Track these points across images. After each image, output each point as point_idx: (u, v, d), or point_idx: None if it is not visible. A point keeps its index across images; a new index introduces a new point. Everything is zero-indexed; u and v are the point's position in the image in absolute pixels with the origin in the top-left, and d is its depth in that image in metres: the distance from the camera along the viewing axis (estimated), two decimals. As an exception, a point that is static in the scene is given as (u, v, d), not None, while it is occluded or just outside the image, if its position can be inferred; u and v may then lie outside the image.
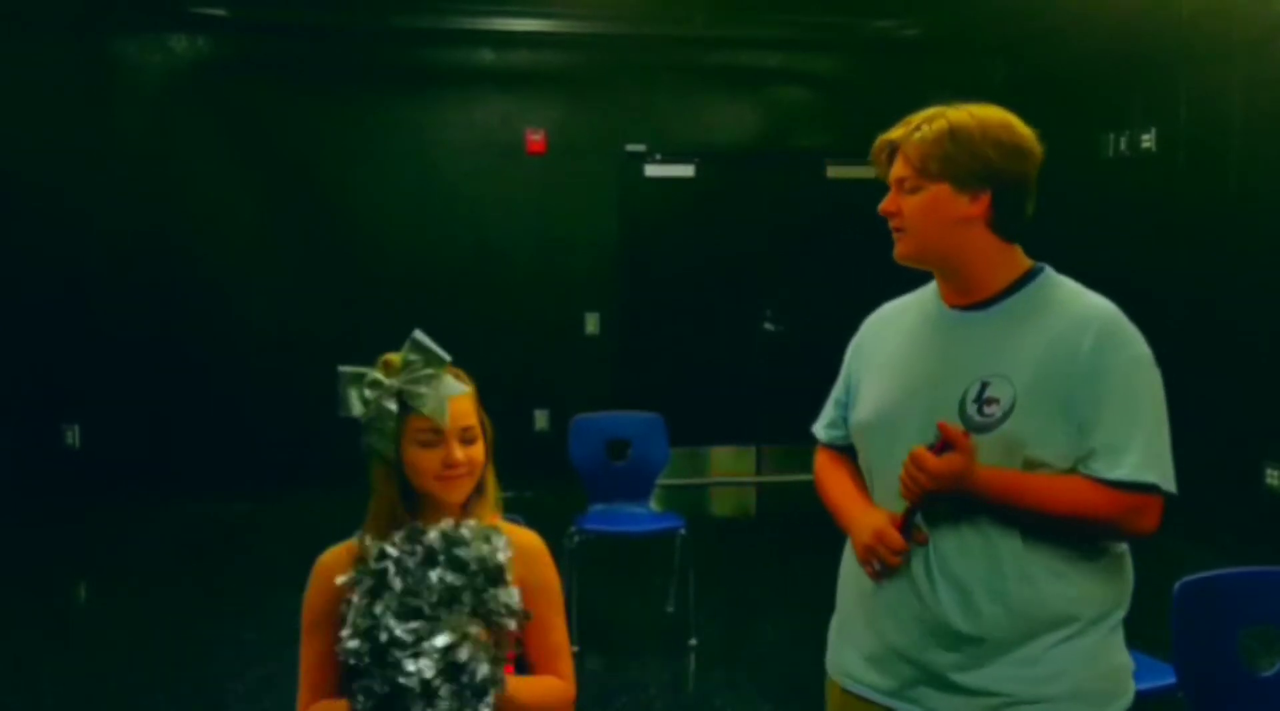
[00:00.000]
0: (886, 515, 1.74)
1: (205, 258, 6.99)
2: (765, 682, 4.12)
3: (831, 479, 1.94)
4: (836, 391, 1.99)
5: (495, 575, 1.65)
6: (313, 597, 1.78)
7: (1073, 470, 1.66)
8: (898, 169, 1.76)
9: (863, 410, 1.85)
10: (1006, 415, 1.65)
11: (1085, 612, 1.68)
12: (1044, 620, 1.66)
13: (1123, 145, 6.25)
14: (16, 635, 4.63)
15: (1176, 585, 2.21)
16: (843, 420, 1.95)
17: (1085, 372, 1.64)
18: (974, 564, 1.67)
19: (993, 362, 1.69)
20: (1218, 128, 5.59)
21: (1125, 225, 6.27)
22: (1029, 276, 1.76)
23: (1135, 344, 1.69)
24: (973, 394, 1.68)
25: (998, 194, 1.70)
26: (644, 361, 7.47)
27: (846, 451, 1.95)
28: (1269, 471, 5.27)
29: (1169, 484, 1.65)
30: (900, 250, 1.78)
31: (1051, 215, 7.61)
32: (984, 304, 1.75)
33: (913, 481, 1.65)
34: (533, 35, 7.09)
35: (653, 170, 7.49)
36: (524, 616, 1.67)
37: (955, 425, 1.65)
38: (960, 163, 1.69)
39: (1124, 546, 1.74)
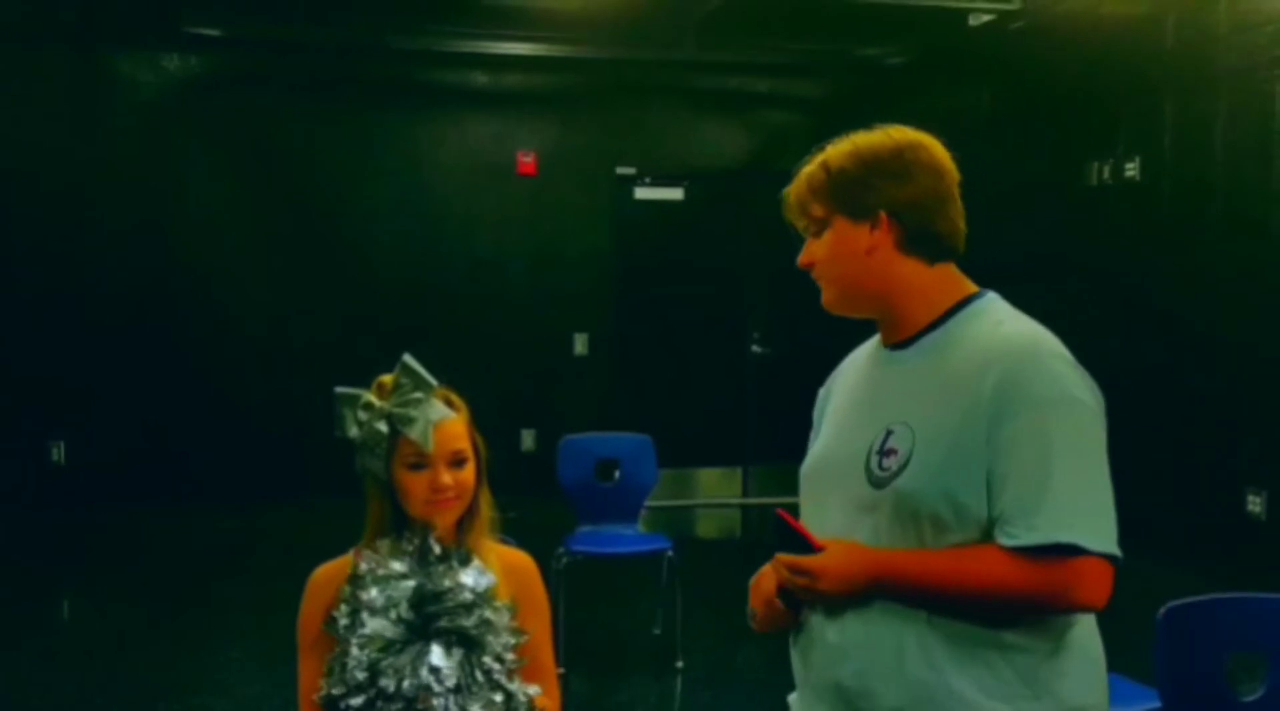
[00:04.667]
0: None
1: (197, 275, 6.99)
2: (752, 704, 4.11)
3: None
4: None
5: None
6: (308, 615, 1.78)
7: (988, 537, 1.45)
8: (795, 220, 1.68)
9: (805, 463, 1.72)
10: (902, 468, 1.48)
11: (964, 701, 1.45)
12: None
13: (1107, 173, 6.31)
14: (3, 652, 4.59)
15: (1162, 609, 2.23)
16: None
17: (989, 419, 1.44)
18: (871, 646, 1.50)
19: (901, 408, 1.53)
20: (1202, 156, 5.65)
21: (1109, 252, 6.32)
22: (960, 306, 1.58)
23: (1050, 381, 1.45)
24: (877, 444, 1.52)
25: (893, 215, 1.56)
26: (632, 382, 7.49)
27: None
28: (1250, 498, 5.31)
29: (1100, 543, 1.39)
30: (825, 300, 1.66)
31: (1036, 241, 7.65)
32: (909, 341, 1.59)
33: (806, 592, 1.52)
34: (525, 58, 7.14)
35: (642, 192, 7.54)
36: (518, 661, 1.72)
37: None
38: (843, 190, 1.59)
39: (1078, 631, 1.50)
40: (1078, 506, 1.41)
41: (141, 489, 6.75)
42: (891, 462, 1.49)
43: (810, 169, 1.64)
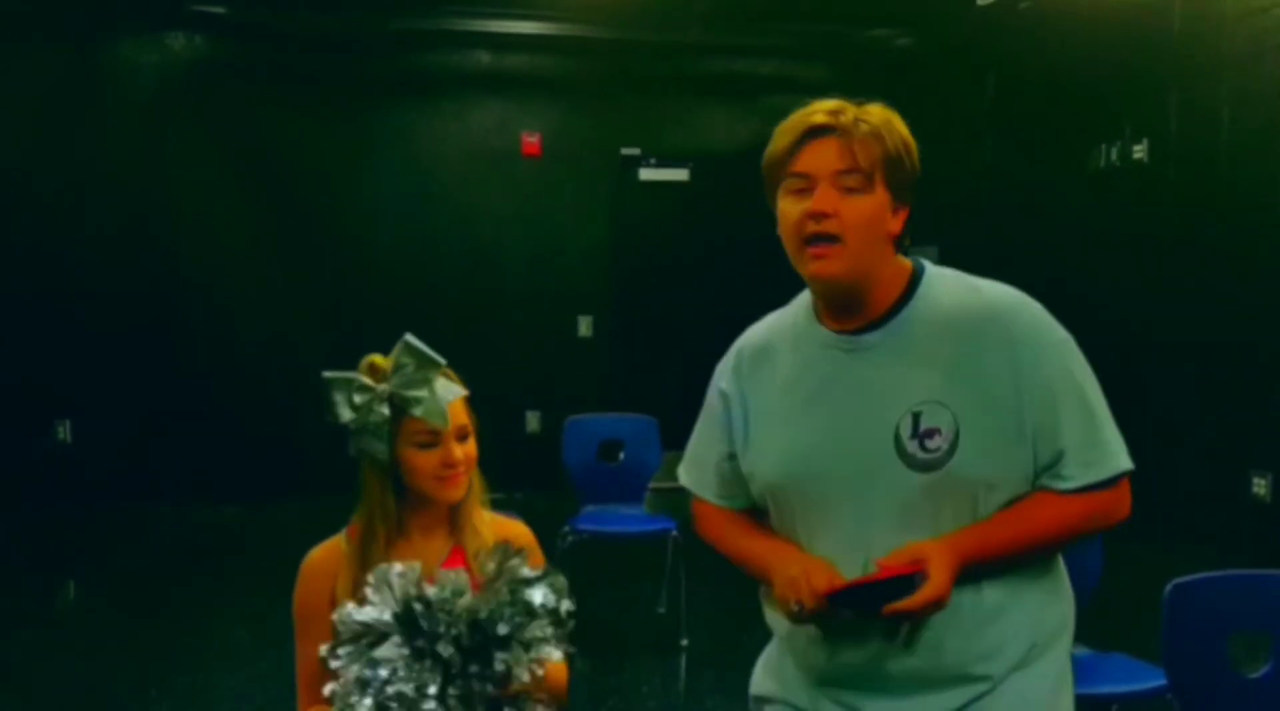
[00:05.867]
0: (827, 570, 1.50)
1: (198, 258, 6.98)
2: (755, 685, 4.13)
3: (742, 530, 1.69)
4: (713, 451, 1.71)
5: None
6: (303, 596, 1.78)
7: (1031, 485, 1.50)
8: (841, 158, 1.49)
9: (772, 466, 1.60)
10: (955, 446, 1.47)
11: (1036, 637, 1.55)
12: (1002, 654, 1.52)
13: (1114, 156, 6.29)
14: (6, 632, 4.61)
15: (1168, 586, 2.23)
16: (737, 483, 1.69)
17: (1024, 376, 1.47)
18: (944, 623, 1.50)
19: (916, 388, 1.50)
20: (1207, 140, 5.64)
21: (1115, 235, 6.31)
22: (914, 281, 1.57)
23: (1050, 328, 1.53)
24: (907, 429, 1.48)
25: (911, 209, 1.55)
26: (635, 365, 7.48)
27: (751, 513, 1.71)
28: (1255, 480, 5.31)
29: (1130, 461, 1.52)
30: (834, 268, 1.50)
31: (1043, 224, 7.64)
32: (877, 323, 1.55)
33: (930, 611, 1.45)
34: (530, 39, 7.12)
35: (647, 174, 7.52)
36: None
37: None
38: (902, 170, 1.52)
39: (1058, 559, 1.61)
40: (1113, 434, 1.51)
41: (146, 469, 6.76)
42: (938, 443, 1.47)
43: (884, 128, 1.51)
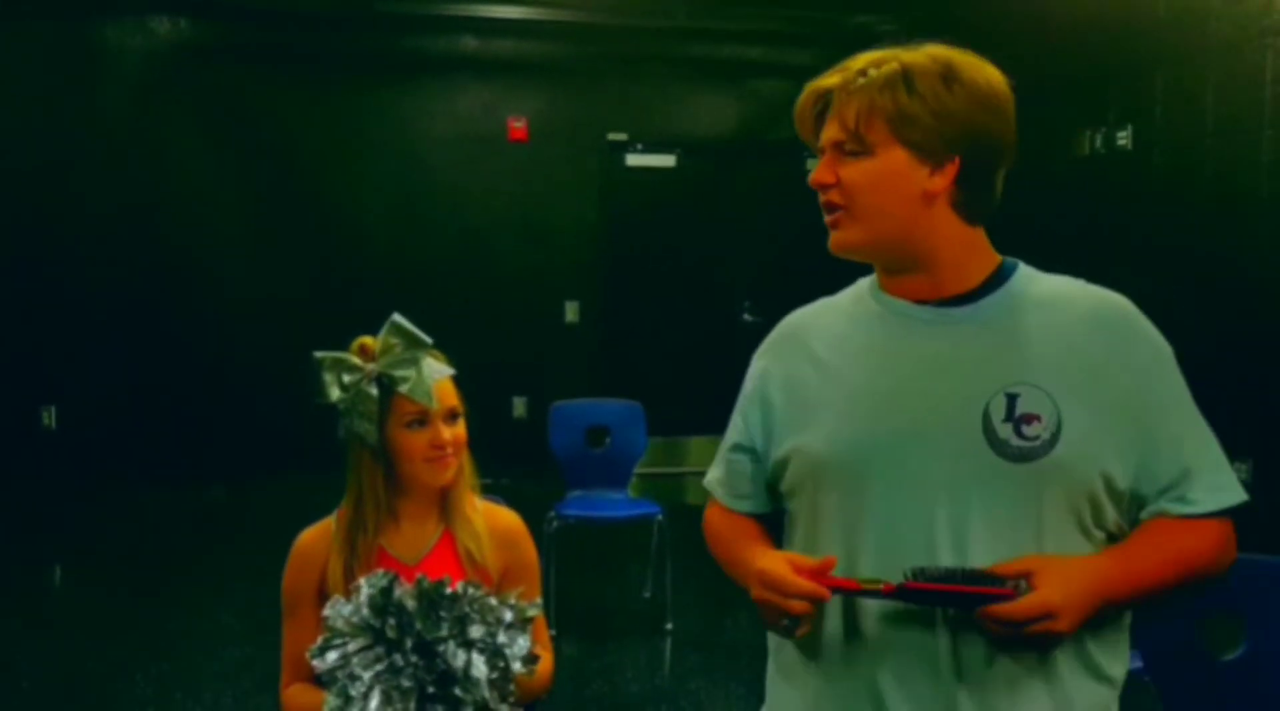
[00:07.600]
0: (785, 557, 1.32)
1: (185, 241, 6.96)
2: (739, 666, 4.16)
3: (739, 533, 1.49)
4: (728, 440, 1.51)
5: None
6: (292, 577, 1.80)
7: (1132, 505, 1.32)
8: (832, 129, 1.33)
9: (824, 441, 1.35)
10: (1056, 435, 1.26)
11: (1116, 684, 1.36)
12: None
13: (1098, 142, 6.31)
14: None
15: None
16: (758, 483, 1.49)
17: (1144, 383, 1.32)
18: (1014, 660, 1.28)
19: (1012, 367, 1.30)
20: (1193, 127, 5.66)
21: (1099, 221, 6.34)
22: (1007, 269, 1.38)
23: (1164, 340, 1.38)
24: (999, 411, 1.27)
25: (967, 163, 1.31)
26: (622, 351, 7.50)
27: (760, 520, 1.51)
28: (1236, 465, 5.34)
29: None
30: (841, 238, 1.35)
31: (1026, 211, 7.66)
32: (963, 299, 1.35)
33: (1038, 637, 1.22)
34: (516, 23, 7.10)
35: (634, 159, 7.51)
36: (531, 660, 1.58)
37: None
38: (920, 120, 1.28)
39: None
40: (1227, 461, 1.35)
41: (132, 455, 6.75)
42: (1037, 429, 1.26)
43: (884, 78, 1.30)
